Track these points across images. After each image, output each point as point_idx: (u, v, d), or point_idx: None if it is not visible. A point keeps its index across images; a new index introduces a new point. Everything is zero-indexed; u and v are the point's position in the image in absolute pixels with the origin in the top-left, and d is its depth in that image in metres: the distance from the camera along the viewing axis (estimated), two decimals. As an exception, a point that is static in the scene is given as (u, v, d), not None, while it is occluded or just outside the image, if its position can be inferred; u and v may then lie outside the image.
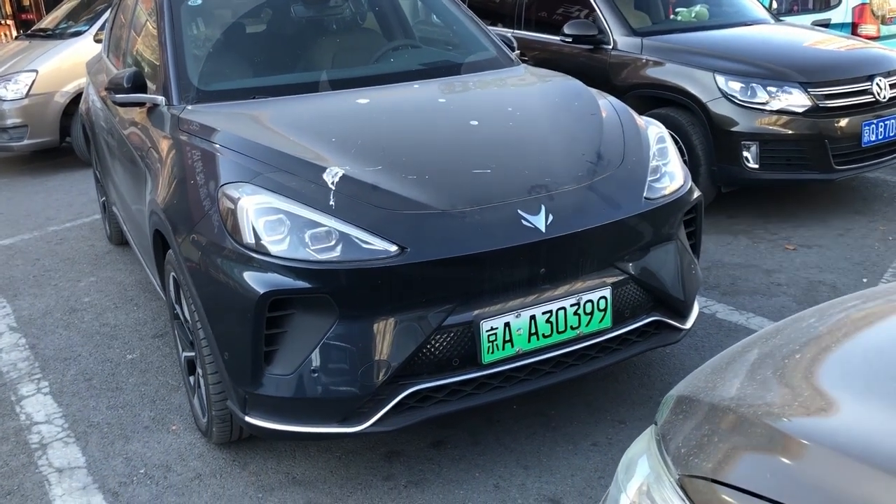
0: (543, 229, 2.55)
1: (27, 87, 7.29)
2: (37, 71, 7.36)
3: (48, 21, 8.88)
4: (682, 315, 2.97)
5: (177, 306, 3.06)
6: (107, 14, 7.56)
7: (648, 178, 2.87)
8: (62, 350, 3.87)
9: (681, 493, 1.27)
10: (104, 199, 5.17)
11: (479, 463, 2.82)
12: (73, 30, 8.03)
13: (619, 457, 2.76)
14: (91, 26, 7.74)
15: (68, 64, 7.49)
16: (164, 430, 3.14)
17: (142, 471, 2.89)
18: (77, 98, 7.35)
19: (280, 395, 2.50)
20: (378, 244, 2.44)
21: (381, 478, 2.77)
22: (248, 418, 2.59)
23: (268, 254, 2.45)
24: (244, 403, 2.59)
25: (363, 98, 3.25)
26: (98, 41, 7.40)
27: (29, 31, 9.01)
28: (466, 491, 2.68)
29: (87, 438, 3.11)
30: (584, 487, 2.66)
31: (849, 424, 1.29)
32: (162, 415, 3.24)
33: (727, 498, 1.23)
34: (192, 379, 3.07)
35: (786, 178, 4.96)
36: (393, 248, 2.43)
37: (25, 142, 7.42)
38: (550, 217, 2.57)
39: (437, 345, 2.51)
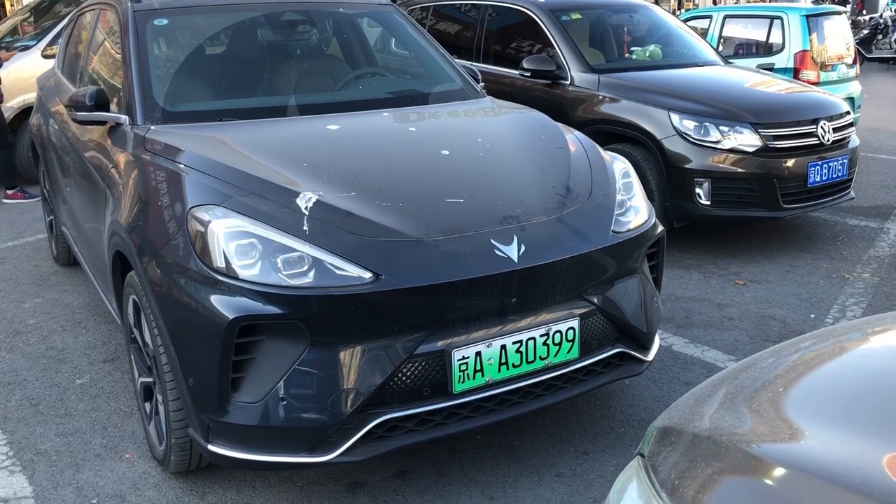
0: (516, 259, 2.57)
1: (-31, 102, 7.05)
2: (-20, 85, 7.12)
3: (-7, 34, 8.64)
4: (645, 347, 3.01)
5: (135, 330, 2.98)
6: (56, 30, 7.43)
7: (615, 212, 2.93)
8: (6, 374, 3.72)
9: (678, 525, 1.29)
10: (52, 217, 5.01)
11: (444, 494, 2.79)
12: (19, 44, 7.83)
13: (584, 488, 2.79)
14: (39, 41, 7.55)
15: (13, 78, 7.28)
16: (117, 458, 3.03)
17: (94, 501, 2.78)
18: (21, 113, 7.16)
19: (246, 423, 2.44)
20: (352, 271, 2.42)
21: (344, 509, 2.73)
22: (211, 447, 2.52)
23: (238, 278, 2.40)
24: (207, 431, 2.52)
25: (333, 124, 3.24)
26: (47, 57, 7.24)
27: (-28, 44, 8.73)
28: (432, 522, 2.66)
29: (34, 467, 2.99)
30: (550, 519, 2.66)
31: (818, 448, 1.37)
32: (115, 442, 3.13)
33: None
34: (148, 405, 2.98)
35: (736, 215, 5.11)
36: (367, 276, 2.42)
37: (-34, 157, 7.15)
38: (523, 247, 2.60)
39: (408, 373, 2.49)
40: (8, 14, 8.94)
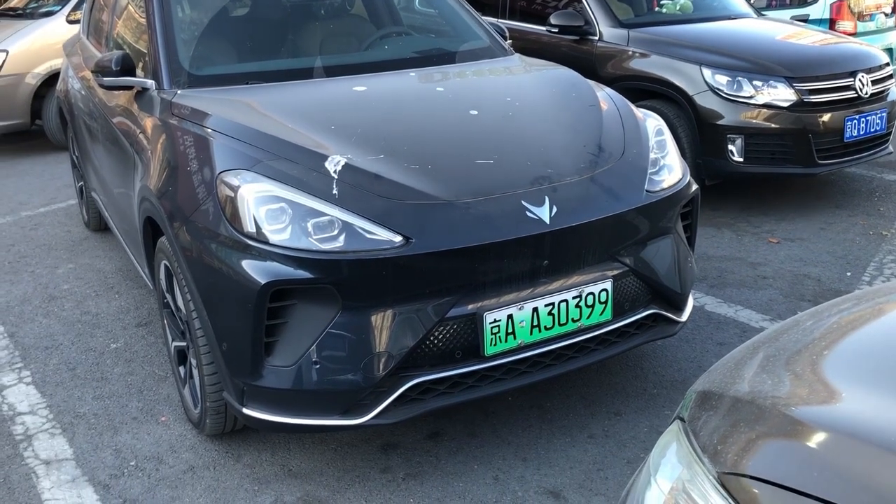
0: (548, 221, 2.53)
1: (-4, 68, 7.09)
2: (7, 51, 7.14)
3: (17, 0, 8.64)
4: (679, 308, 2.98)
5: (167, 295, 3.00)
6: (80, -6, 7.40)
7: (649, 171, 2.87)
8: (43, 339, 3.78)
9: (722, 491, 1.27)
10: (82, 183, 5.04)
11: (476, 455, 2.80)
12: (44, 10, 7.81)
13: (617, 449, 2.78)
14: (63, 6, 7.53)
15: (39, 44, 7.28)
16: (153, 421, 3.07)
17: (132, 463, 2.83)
18: (49, 80, 7.17)
19: (280, 386, 2.45)
20: (382, 234, 2.40)
21: (378, 470, 2.74)
22: (245, 410, 2.55)
23: (269, 243, 2.40)
24: (242, 395, 2.54)
25: (360, 86, 3.20)
26: (72, 22, 7.23)
27: (-3, 11, 8.75)
28: (466, 483, 2.67)
29: (73, 429, 3.04)
30: (583, 480, 2.66)
31: (862, 412, 1.34)
32: (150, 405, 3.18)
33: (767, 492, 1.23)
34: (182, 369, 3.01)
35: (770, 172, 5.01)
36: (398, 239, 2.40)
37: (-6, 125, 7.22)
38: (554, 209, 2.56)
39: (439, 336, 2.48)
40: (31, -21, 8.90)
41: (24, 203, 5.91)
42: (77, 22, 6.55)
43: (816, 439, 1.31)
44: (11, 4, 8.54)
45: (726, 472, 1.29)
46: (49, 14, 7.57)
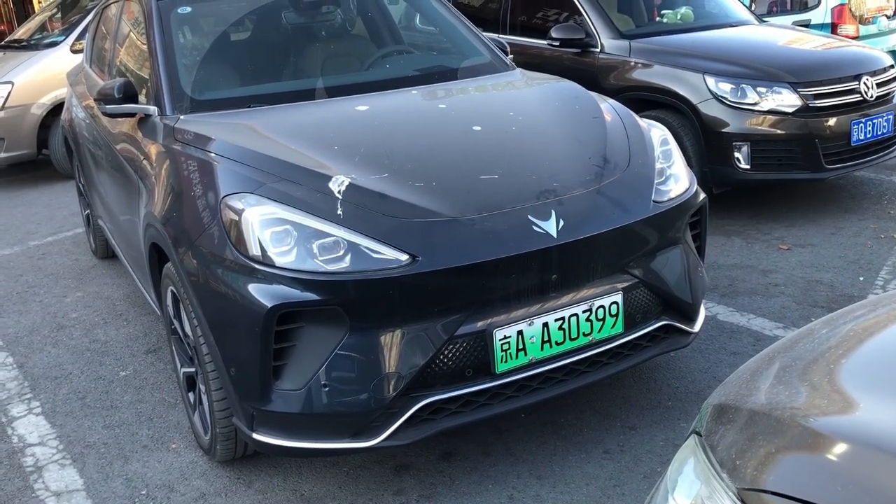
0: (555, 235, 2.51)
1: (2, 100, 7.12)
2: (12, 83, 7.20)
3: (22, 32, 8.72)
4: (691, 318, 2.94)
5: (175, 321, 2.98)
6: (84, 24, 7.46)
7: (655, 181, 2.85)
8: (52, 368, 3.77)
9: (741, 507, 1.24)
10: (88, 211, 5.05)
11: (491, 474, 2.76)
12: (48, 40, 7.89)
13: (633, 464, 2.74)
14: (67, 37, 7.60)
15: (44, 75, 7.34)
16: (163, 448, 3.05)
17: (143, 492, 2.81)
18: (54, 110, 7.22)
19: (289, 410, 2.43)
20: (388, 253, 2.38)
21: (391, 492, 2.71)
22: (255, 435, 2.52)
23: (275, 266, 2.38)
24: (251, 420, 2.52)
25: (362, 105, 3.19)
26: (76, 52, 7.28)
27: (2, 43, 8.84)
28: (481, 503, 2.63)
29: (83, 460, 3.02)
30: (599, 497, 2.62)
31: (884, 422, 1.31)
32: (160, 433, 3.15)
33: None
34: (191, 395, 2.99)
35: (777, 179, 4.98)
36: (404, 258, 2.38)
37: (2, 155, 7.24)
38: (561, 222, 2.53)
39: (449, 355, 2.45)
40: (36, 11, 8.98)
41: (31, 233, 5.92)
42: (81, 52, 6.60)
43: (837, 451, 1.28)
44: (16, 36, 8.62)
45: (746, 487, 1.26)
46: (53, 45, 7.63)
